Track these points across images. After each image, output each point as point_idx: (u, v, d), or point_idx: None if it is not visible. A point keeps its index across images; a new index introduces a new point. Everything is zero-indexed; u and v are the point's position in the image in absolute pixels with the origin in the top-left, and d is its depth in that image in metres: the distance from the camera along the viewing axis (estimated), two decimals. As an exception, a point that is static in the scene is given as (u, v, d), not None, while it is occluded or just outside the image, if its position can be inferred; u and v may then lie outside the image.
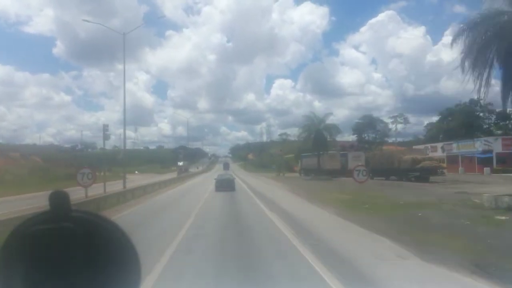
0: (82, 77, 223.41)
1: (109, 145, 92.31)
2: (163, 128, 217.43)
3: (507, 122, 65.81)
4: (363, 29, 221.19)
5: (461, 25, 16.56)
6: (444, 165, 38.00)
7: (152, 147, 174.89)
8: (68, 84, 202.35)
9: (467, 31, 16.14)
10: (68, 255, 0.80)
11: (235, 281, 6.43)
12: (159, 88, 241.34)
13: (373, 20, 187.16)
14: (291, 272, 6.92)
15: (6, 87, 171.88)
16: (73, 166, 40.97)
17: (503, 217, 12.33)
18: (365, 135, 77.81)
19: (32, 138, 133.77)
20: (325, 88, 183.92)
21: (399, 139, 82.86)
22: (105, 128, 23.57)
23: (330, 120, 52.07)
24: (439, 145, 58.66)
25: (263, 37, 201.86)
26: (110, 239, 0.84)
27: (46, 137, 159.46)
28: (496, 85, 17.38)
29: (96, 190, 19.85)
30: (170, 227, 12.12)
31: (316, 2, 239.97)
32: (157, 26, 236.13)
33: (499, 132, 59.72)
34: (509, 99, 16.21)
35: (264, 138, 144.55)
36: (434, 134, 69.79)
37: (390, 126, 78.11)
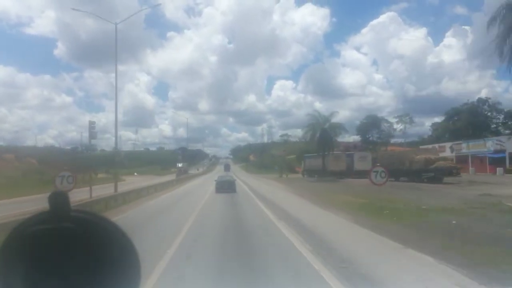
0: (83, 79, 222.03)
1: (109, 146, 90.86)
2: (164, 130, 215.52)
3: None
4: (364, 30, 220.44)
5: (498, 8, 14.62)
6: (459, 165, 36.01)
7: (153, 148, 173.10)
8: (69, 85, 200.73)
9: (503, 14, 14.18)
10: (68, 255, 0.80)
11: None
12: (160, 89, 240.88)
13: (374, 22, 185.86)
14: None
15: (8, 89, 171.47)
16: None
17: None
18: (369, 135, 76.32)
19: (34, 140, 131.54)
20: (326, 89, 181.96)
21: (403, 140, 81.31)
22: (92, 125, 21.52)
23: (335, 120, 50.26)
24: (447, 145, 56.71)
25: (264, 38, 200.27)
26: (110, 239, 0.83)
27: (48, 138, 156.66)
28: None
29: (82, 195, 17.86)
30: (159, 241, 10.12)
31: (317, 3, 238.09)
32: (159, 27, 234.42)
33: (507, 131, 58.09)
34: None
35: (265, 139, 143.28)
36: (440, 134, 68.62)
37: (395, 126, 76.71)
